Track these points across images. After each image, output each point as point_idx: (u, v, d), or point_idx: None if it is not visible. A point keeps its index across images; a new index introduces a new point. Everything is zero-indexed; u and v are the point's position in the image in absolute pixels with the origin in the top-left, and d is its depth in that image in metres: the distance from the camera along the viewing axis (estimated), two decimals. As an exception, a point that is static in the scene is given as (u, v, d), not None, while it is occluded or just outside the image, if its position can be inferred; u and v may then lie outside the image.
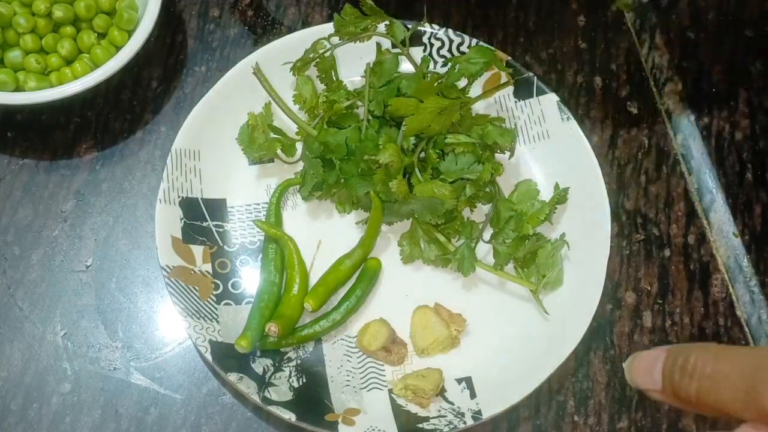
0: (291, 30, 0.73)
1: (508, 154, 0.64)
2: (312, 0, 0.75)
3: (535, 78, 0.69)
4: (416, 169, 0.63)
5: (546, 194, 0.66)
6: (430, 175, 0.63)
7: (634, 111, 0.73)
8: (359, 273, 0.65)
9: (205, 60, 0.72)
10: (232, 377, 0.60)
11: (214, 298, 0.63)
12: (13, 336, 0.64)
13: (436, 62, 0.69)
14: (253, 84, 0.66)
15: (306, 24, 0.74)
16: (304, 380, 0.62)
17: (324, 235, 0.66)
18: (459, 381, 0.62)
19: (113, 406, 0.62)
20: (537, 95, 0.69)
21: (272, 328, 0.61)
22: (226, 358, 0.60)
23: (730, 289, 0.68)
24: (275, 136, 0.66)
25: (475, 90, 0.66)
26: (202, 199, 0.66)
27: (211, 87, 0.68)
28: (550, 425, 0.64)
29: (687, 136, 0.73)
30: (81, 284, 0.66)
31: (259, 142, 0.65)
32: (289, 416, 0.59)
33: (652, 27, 0.76)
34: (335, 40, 0.65)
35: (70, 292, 0.65)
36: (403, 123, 0.62)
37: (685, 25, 0.76)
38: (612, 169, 0.71)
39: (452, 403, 0.61)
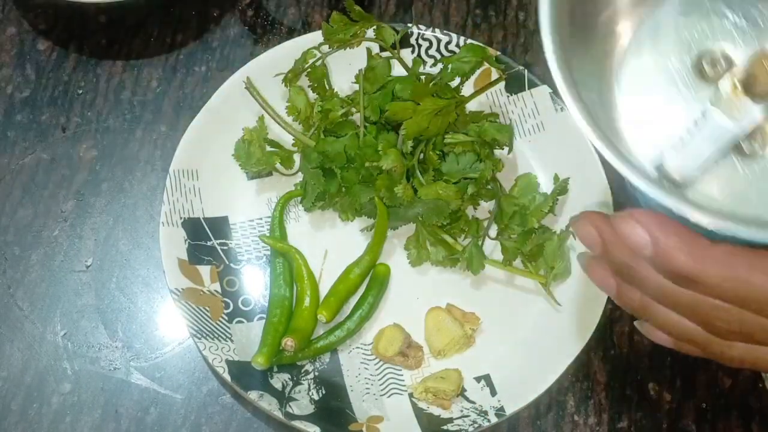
0: (291, 30, 0.73)
1: (506, 149, 0.64)
2: (312, 0, 0.75)
3: (526, 71, 0.69)
4: (417, 172, 0.63)
5: (546, 186, 0.66)
6: (432, 177, 0.63)
7: (634, 111, 0.73)
8: (369, 280, 0.65)
9: (205, 60, 0.72)
10: (253, 395, 0.60)
11: (226, 317, 0.63)
12: (13, 336, 0.64)
13: (425, 63, 0.69)
14: (246, 98, 0.66)
15: (306, 24, 0.74)
16: (324, 392, 0.62)
17: (330, 244, 0.66)
18: (478, 379, 0.63)
19: (113, 406, 0.62)
20: (529, 88, 0.69)
21: (288, 342, 0.61)
22: (244, 376, 0.60)
23: (730, 289, 0.68)
24: (272, 149, 0.66)
25: (466, 88, 0.66)
26: (204, 218, 0.65)
27: (211, 87, 0.68)
28: (550, 425, 0.64)
29: (687, 136, 0.72)
30: (81, 284, 0.66)
31: (257, 156, 0.65)
32: (314, 430, 0.59)
33: (652, 27, 0.76)
34: (325, 48, 0.65)
35: (70, 292, 0.65)
36: (402, 127, 0.62)
37: (685, 25, 0.76)
38: (612, 167, 0.71)
39: (474, 402, 0.61)
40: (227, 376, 0.60)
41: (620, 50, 0.51)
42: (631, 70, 0.51)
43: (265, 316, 0.64)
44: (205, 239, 0.65)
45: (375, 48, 0.66)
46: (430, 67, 0.69)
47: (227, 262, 0.65)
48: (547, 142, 0.68)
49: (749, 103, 0.47)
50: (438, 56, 0.69)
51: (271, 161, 0.65)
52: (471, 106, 0.66)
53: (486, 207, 0.66)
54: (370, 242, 0.65)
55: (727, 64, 0.50)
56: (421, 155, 0.63)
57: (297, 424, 0.59)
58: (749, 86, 0.48)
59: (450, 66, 0.64)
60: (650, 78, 0.50)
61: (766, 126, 0.48)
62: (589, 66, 0.49)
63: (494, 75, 0.68)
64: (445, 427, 0.60)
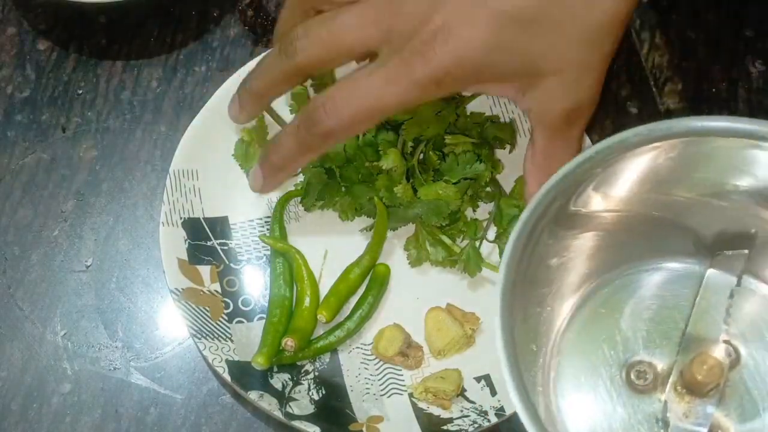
0: (291, 30, 0.73)
1: (508, 148, 0.64)
2: (312, 0, 0.75)
3: None
4: (417, 172, 0.63)
5: None
6: (432, 177, 0.63)
7: (634, 111, 0.73)
8: (369, 280, 0.65)
9: (205, 60, 0.72)
10: (253, 395, 0.60)
11: (226, 317, 0.63)
12: (13, 336, 0.64)
13: None
14: None
15: (306, 24, 0.74)
16: (324, 392, 0.62)
17: (330, 244, 0.66)
18: (478, 379, 0.62)
19: (113, 406, 0.62)
20: None
21: (289, 342, 0.61)
22: (245, 376, 0.60)
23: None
24: None
25: None
26: (204, 218, 0.65)
27: (211, 87, 0.68)
28: (550, 425, 0.64)
29: (687, 136, 0.72)
30: (81, 284, 0.66)
31: (256, 156, 0.65)
32: (314, 430, 0.59)
33: (652, 27, 0.76)
34: None
35: (70, 292, 0.65)
36: (402, 127, 0.62)
37: (685, 25, 0.76)
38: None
39: (474, 402, 0.61)
40: (227, 376, 0.60)
41: (553, 354, 0.56)
42: (566, 373, 0.56)
43: (265, 316, 0.63)
44: (205, 239, 0.65)
45: None
46: None
47: (227, 262, 0.65)
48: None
49: (699, 401, 0.52)
50: None
51: None
52: (471, 106, 0.66)
53: (486, 208, 0.66)
54: (369, 242, 0.65)
55: (653, 372, 0.54)
56: (421, 155, 0.63)
57: (297, 424, 0.59)
58: (693, 388, 0.53)
59: None
60: (584, 386, 0.55)
61: (721, 420, 0.52)
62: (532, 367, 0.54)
63: None
64: (445, 427, 0.60)
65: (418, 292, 0.65)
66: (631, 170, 0.52)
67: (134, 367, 0.63)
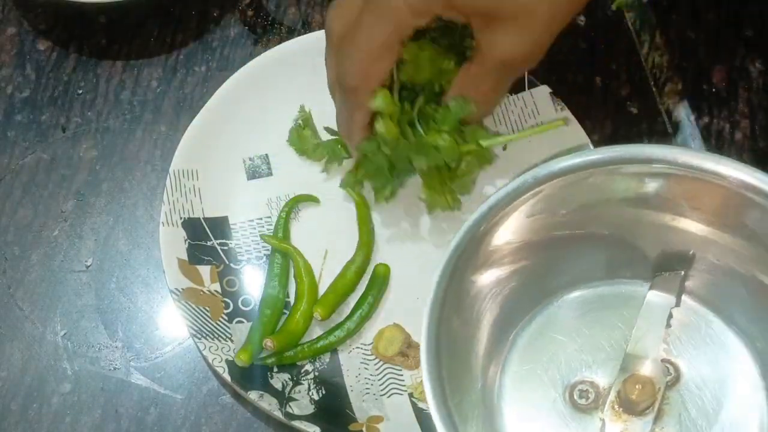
0: (291, 30, 0.73)
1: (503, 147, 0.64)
2: (312, 0, 0.75)
3: (526, 72, 0.69)
4: (418, 125, 0.60)
5: None
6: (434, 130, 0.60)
7: (634, 111, 0.73)
8: (369, 280, 0.65)
9: (205, 60, 0.72)
10: (253, 395, 0.60)
11: (226, 317, 0.63)
12: (13, 336, 0.64)
13: None
14: (245, 98, 0.66)
15: (306, 24, 0.74)
16: (324, 392, 0.62)
17: (329, 244, 0.66)
18: None
19: (113, 406, 0.62)
20: (529, 88, 0.69)
21: (269, 343, 0.61)
22: (244, 376, 0.60)
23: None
24: (331, 137, 0.65)
25: None
26: (204, 218, 0.65)
27: (211, 87, 0.68)
28: (550, 425, 0.64)
29: (687, 136, 0.73)
30: (81, 284, 0.66)
31: (312, 141, 0.65)
32: (314, 430, 0.59)
33: (652, 27, 0.76)
34: None
35: (70, 292, 0.65)
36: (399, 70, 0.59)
37: (685, 25, 0.76)
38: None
39: None
40: (227, 376, 0.60)
41: (497, 386, 0.58)
42: (509, 393, 0.57)
43: (265, 316, 0.64)
44: (205, 239, 0.65)
45: None
46: None
47: (227, 262, 0.65)
48: (547, 141, 0.68)
49: (635, 420, 0.54)
50: None
51: (332, 150, 0.65)
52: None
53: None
54: (358, 239, 0.65)
55: (594, 391, 0.56)
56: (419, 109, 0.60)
57: (297, 424, 0.59)
58: (628, 407, 0.54)
59: None
60: (529, 405, 0.57)
61: None
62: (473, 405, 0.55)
63: None
64: (445, 427, 0.60)
65: (418, 292, 0.65)
66: (566, 194, 0.54)
67: (134, 367, 0.63)
